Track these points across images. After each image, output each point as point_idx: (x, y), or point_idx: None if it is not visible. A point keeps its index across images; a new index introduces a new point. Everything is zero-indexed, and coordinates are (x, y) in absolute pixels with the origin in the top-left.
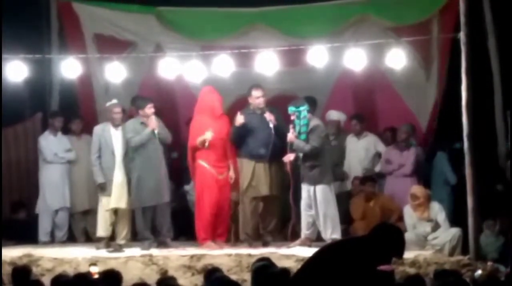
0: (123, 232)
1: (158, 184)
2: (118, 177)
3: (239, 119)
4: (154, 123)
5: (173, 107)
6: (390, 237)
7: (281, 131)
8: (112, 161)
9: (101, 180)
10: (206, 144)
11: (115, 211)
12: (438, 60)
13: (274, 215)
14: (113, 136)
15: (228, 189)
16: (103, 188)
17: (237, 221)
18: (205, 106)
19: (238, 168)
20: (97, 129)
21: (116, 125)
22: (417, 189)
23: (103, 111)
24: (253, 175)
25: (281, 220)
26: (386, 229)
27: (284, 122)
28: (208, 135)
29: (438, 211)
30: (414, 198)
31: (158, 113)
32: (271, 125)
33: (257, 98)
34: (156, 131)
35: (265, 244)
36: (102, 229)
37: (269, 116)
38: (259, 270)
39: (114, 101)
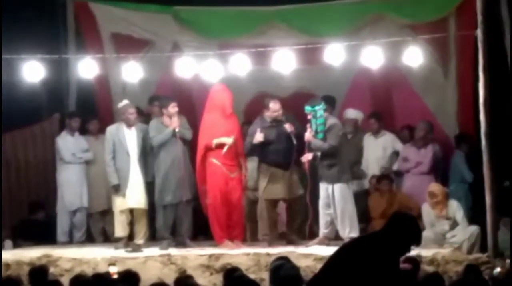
0: (141, 232)
1: (180, 182)
2: (134, 177)
3: (258, 137)
4: (175, 122)
5: (191, 106)
6: (405, 226)
7: (299, 138)
8: (127, 161)
9: (115, 182)
10: (225, 149)
11: (131, 211)
12: (457, 58)
13: (298, 214)
14: (127, 137)
15: (240, 187)
16: (117, 189)
17: (255, 220)
18: (215, 105)
19: (248, 167)
20: (111, 129)
21: (130, 126)
22: (435, 187)
23: (118, 112)
24: (271, 178)
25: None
26: (400, 218)
27: (300, 126)
28: (229, 141)
29: (456, 209)
30: (432, 196)
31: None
32: (293, 138)
33: (275, 111)
34: (177, 130)
35: (290, 242)
36: (119, 229)
37: (289, 128)
38: (277, 269)
39: (125, 102)
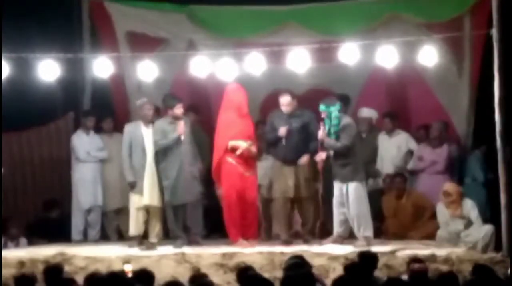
0: (155, 230)
1: (189, 182)
2: (149, 175)
3: (282, 131)
4: (181, 128)
5: (206, 105)
6: None
7: (313, 134)
8: (143, 159)
9: (131, 179)
10: (238, 152)
11: (147, 209)
12: (471, 57)
13: (310, 213)
14: (144, 135)
15: (254, 186)
16: (133, 186)
17: (269, 219)
18: (232, 104)
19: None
20: (129, 127)
21: (147, 123)
22: (450, 186)
23: (135, 110)
24: (284, 177)
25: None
26: None
27: (317, 123)
28: (244, 145)
29: (470, 208)
30: (446, 195)
31: (195, 110)
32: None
33: (283, 105)
34: (182, 137)
35: (305, 241)
36: (134, 227)
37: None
38: (291, 268)
39: (144, 99)
